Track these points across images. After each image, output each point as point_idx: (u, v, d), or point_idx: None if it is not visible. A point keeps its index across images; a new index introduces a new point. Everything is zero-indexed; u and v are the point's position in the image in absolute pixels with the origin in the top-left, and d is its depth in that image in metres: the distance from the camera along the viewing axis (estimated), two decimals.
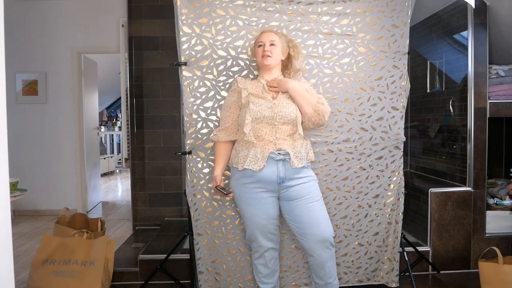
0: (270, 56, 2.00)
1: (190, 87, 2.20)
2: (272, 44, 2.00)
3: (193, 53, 2.18)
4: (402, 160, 2.39)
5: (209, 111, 2.22)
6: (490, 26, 2.77)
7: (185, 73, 2.19)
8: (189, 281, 2.52)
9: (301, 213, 1.98)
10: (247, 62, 2.22)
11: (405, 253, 2.45)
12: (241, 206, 2.06)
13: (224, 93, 2.21)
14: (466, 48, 2.81)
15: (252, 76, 2.22)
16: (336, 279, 2.08)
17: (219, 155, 2.09)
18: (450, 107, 3.04)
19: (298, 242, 2.08)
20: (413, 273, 2.47)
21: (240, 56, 2.21)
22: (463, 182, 2.88)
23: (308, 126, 2.07)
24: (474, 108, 2.78)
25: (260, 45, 2.02)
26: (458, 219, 2.79)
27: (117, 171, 8.62)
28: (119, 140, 9.05)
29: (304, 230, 1.99)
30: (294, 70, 2.08)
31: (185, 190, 2.26)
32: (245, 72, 2.22)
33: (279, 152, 1.95)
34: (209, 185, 2.23)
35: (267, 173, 1.95)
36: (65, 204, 3.58)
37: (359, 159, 2.32)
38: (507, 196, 2.97)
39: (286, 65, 2.11)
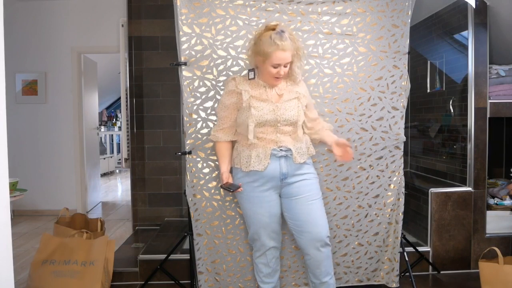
0: (282, 77, 1.95)
1: (190, 87, 2.20)
2: (285, 66, 1.92)
3: (193, 53, 2.18)
4: (402, 160, 2.39)
5: (209, 111, 2.22)
6: (490, 26, 2.77)
7: (185, 73, 2.19)
8: (189, 281, 2.52)
9: (300, 211, 1.99)
10: (247, 62, 2.21)
11: (405, 253, 2.45)
12: (244, 204, 2.06)
13: None
14: (466, 48, 2.81)
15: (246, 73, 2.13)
16: (332, 278, 2.08)
17: (222, 153, 2.07)
18: (450, 107, 3.04)
19: (295, 240, 2.08)
20: (413, 273, 2.47)
21: (240, 56, 2.20)
22: (463, 182, 2.88)
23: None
24: (474, 108, 2.78)
25: (276, 67, 1.90)
26: (458, 219, 2.79)
27: (117, 171, 8.62)
28: (119, 140, 9.05)
29: (301, 228, 2.00)
30: (292, 73, 2.01)
31: (185, 190, 2.25)
32: (245, 72, 2.21)
33: (280, 148, 1.96)
34: (209, 185, 2.23)
35: (270, 169, 1.96)
36: (65, 204, 3.58)
37: (359, 159, 2.32)
38: (507, 196, 2.97)
39: None
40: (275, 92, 2.01)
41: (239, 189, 1.97)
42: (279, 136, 1.96)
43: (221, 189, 2.23)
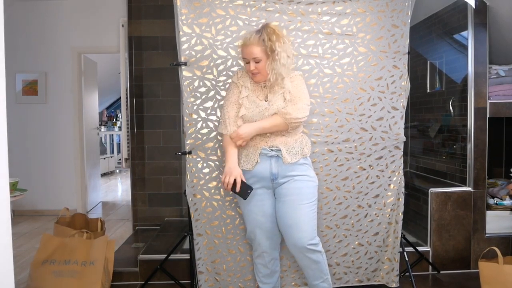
0: (258, 73, 1.94)
1: (190, 87, 2.20)
2: (257, 62, 1.91)
3: (193, 53, 2.18)
4: (402, 160, 2.39)
5: (209, 111, 2.22)
6: (490, 26, 2.77)
7: (185, 73, 2.19)
8: (189, 281, 2.52)
9: (286, 213, 1.96)
10: None
11: (405, 253, 2.45)
12: (240, 203, 2.07)
13: (224, 93, 2.21)
14: (466, 48, 2.81)
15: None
16: (325, 281, 2.04)
17: (231, 145, 1.97)
18: (450, 107, 3.04)
19: None
20: (413, 273, 2.47)
21: (240, 56, 2.20)
22: (463, 182, 2.88)
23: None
24: (474, 108, 2.78)
25: (247, 62, 1.94)
26: (458, 219, 2.79)
27: (117, 171, 8.62)
28: (119, 140, 9.05)
29: (284, 232, 1.98)
30: (265, 72, 1.93)
31: (185, 190, 2.26)
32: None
33: (271, 148, 1.96)
34: (209, 185, 2.23)
35: (260, 169, 1.96)
36: (65, 204, 3.58)
37: (359, 159, 2.32)
38: (507, 196, 2.97)
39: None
40: (267, 91, 2.00)
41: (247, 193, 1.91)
42: (269, 135, 1.96)
43: (221, 189, 2.23)
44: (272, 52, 1.88)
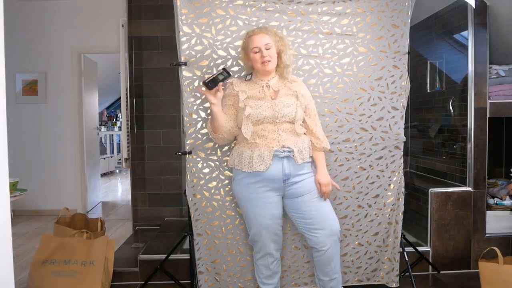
0: (270, 61, 1.97)
1: (190, 87, 2.20)
2: (267, 48, 1.96)
3: (193, 53, 2.18)
4: (402, 160, 2.39)
5: (209, 111, 2.22)
6: (490, 26, 2.77)
7: (185, 73, 2.19)
8: (189, 281, 2.52)
9: (309, 208, 2.00)
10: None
11: (405, 253, 2.45)
12: (246, 206, 2.04)
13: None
14: (466, 48, 2.81)
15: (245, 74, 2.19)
16: (340, 275, 2.12)
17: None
18: (450, 107, 3.04)
19: (306, 239, 2.08)
20: (413, 273, 2.47)
21: (240, 56, 2.20)
22: (463, 182, 2.88)
23: None
24: (474, 108, 2.78)
25: (256, 51, 1.97)
26: (458, 219, 2.79)
27: (117, 171, 8.62)
28: (119, 140, 9.05)
29: (314, 226, 2.00)
30: (283, 66, 2.02)
31: (185, 190, 2.26)
32: (244, 72, 2.21)
33: (283, 149, 1.96)
34: (209, 185, 2.23)
35: (272, 171, 1.95)
36: (65, 204, 3.57)
37: (359, 159, 2.32)
38: (507, 196, 2.97)
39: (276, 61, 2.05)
40: (272, 90, 2.02)
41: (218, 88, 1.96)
42: (282, 134, 1.96)
43: (221, 190, 2.23)
44: (282, 44, 2.01)
